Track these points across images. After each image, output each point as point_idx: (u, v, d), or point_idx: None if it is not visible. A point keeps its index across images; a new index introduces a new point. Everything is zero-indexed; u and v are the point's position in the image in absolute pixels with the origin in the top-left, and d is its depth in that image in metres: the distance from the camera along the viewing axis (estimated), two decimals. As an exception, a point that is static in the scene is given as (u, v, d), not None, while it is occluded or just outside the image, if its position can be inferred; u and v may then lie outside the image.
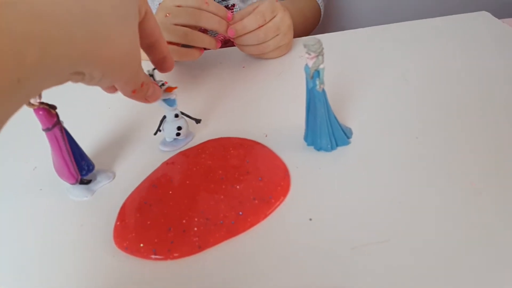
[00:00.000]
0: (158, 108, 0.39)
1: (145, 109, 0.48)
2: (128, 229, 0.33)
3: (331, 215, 0.33)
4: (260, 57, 0.55)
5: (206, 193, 0.35)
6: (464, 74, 0.48)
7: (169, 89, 0.38)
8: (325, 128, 0.37)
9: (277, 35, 0.51)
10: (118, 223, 0.33)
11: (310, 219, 0.33)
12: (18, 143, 0.46)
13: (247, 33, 0.49)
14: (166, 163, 0.39)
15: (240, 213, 0.33)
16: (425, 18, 0.61)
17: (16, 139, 0.46)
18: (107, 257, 0.31)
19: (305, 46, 0.33)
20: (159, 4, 0.49)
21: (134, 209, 0.34)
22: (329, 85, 0.46)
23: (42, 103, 0.32)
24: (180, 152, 0.40)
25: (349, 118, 0.43)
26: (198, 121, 0.42)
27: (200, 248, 0.31)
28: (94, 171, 0.37)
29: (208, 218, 0.33)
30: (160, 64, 0.36)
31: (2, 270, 0.32)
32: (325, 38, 0.60)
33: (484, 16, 0.61)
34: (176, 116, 0.40)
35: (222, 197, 0.35)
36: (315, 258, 0.30)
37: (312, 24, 0.71)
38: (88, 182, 0.37)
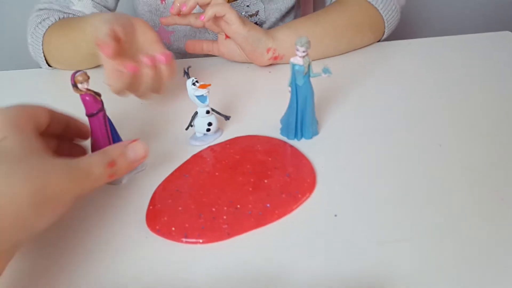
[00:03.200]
0: (189, 105, 0.41)
1: (177, 106, 0.49)
2: (160, 213, 0.34)
3: (356, 212, 0.34)
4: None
5: (235, 185, 0.36)
6: (483, 91, 0.49)
7: (203, 86, 0.39)
8: (313, 116, 0.42)
9: None
10: (151, 207, 0.35)
11: (336, 215, 0.34)
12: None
13: None
14: (196, 156, 0.41)
15: (268, 205, 0.34)
16: (449, 35, 0.63)
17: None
18: (140, 238, 0.33)
19: (301, 44, 0.36)
20: None
21: (166, 195, 0.36)
22: (355, 96, 0.47)
23: (88, 89, 0.34)
24: (209, 147, 0.42)
25: (376, 125, 0.44)
26: (227, 117, 0.44)
27: (229, 235, 0.32)
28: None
29: (237, 208, 0.34)
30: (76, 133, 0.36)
31: (31, 247, 0.33)
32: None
33: (507, 36, 0.62)
34: (207, 112, 0.41)
35: (250, 189, 0.36)
36: (340, 252, 0.31)
37: (367, 34, 0.60)
38: None
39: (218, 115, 0.43)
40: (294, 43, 0.36)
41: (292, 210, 0.34)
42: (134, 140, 0.32)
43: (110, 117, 0.37)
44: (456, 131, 0.42)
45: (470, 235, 0.31)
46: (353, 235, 0.32)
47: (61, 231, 0.34)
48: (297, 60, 0.37)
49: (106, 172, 0.29)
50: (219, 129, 0.44)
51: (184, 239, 0.32)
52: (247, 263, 0.31)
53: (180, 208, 0.34)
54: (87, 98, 0.34)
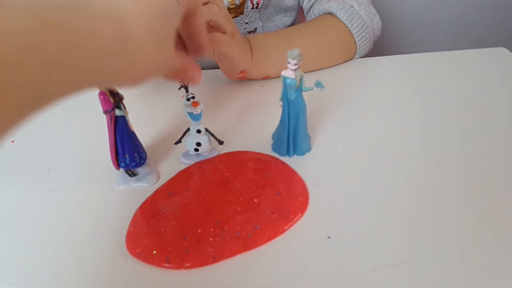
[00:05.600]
0: (185, 120, 0.39)
1: (170, 119, 0.48)
2: (141, 235, 0.32)
3: (350, 234, 0.32)
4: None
5: (223, 204, 0.34)
6: (478, 108, 0.47)
7: (194, 104, 0.38)
8: (306, 131, 0.40)
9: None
10: (131, 228, 0.33)
11: (329, 237, 0.32)
12: (34, 146, 0.46)
13: None
14: (182, 173, 0.39)
15: (257, 226, 0.32)
16: (444, 50, 0.62)
17: (33, 143, 0.46)
18: (119, 262, 0.30)
19: (293, 57, 0.34)
20: None
21: (148, 215, 0.34)
22: (347, 110, 0.46)
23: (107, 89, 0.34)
24: (197, 163, 0.40)
25: (371, 142, 0.42)
26: (221, 142, 0.41)
27: (215, 259, 0.30)
28: (148, 171, 0.39)
29: (224, 229, 0.32)
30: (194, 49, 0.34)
31: (8, 270, 0.31)
32: (341, 65, 0.60)
33: (502, 52, 0.62)
34: (198, 131, 0.39)
35: (239, 209, 0.34)
36: (334, 277, 0.29)
37: (336, 57, 0.59)
38: (132, 174, 0.38)
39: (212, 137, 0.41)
40: (286, 55, 0.35)
41: (283, 231, 0.32)
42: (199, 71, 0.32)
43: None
44: (453, 148, 0.41)
45: (470, 256, 0.29)
46: (347, 258, 0.30)
47: (33, 250, 0.32)
48: (289, 73, 0.36)
49: (176, 63, 0.29)
50: (214, 150, 0.42)
51: (166, 264, 0.30)
52: (234, 290, 0.28)
53: (163, 230, 0.32)
54: (101, 96, 0.34)
